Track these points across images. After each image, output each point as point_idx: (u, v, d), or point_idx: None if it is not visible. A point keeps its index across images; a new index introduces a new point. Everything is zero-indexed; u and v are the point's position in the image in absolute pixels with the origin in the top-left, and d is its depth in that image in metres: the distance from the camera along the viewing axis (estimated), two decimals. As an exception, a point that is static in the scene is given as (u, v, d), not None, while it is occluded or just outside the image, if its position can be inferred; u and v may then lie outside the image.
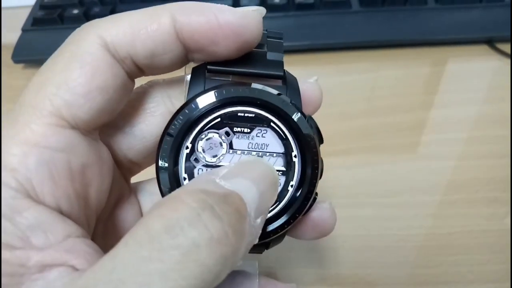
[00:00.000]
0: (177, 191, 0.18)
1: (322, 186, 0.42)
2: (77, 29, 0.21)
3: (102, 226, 0.25)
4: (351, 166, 0.46)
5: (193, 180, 0.20)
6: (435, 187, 0.43)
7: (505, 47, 0.59)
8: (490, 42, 0.60)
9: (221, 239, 0.16)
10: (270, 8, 0.61)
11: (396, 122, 0.51)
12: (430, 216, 0.40)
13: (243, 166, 0.20)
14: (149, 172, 0.29)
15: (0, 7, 0.70)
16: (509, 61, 0.58)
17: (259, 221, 0.18)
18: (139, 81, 0.25)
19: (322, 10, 0.61)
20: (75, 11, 0.62)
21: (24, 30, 0.62)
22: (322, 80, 0.57)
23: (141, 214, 0.28)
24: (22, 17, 0.64)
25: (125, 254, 0.16)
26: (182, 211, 0.16)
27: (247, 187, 0.18)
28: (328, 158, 0.46)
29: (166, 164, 0.22)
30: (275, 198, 0.21)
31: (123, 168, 0.27)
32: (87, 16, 0.62)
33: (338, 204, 0.42)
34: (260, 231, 0.19)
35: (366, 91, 0.56)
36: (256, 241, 0.19)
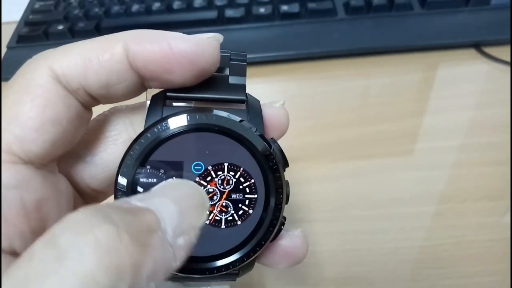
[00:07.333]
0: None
1: (308, 200, 0.42)
2: (28, 61, 0.21)
3: None
4: (338, 178, 0.45)
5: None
6: (422, 198, 0.42)
7: (493, 51, 0.58)
8: (477, 46, 0.59)
9: (112, 246, 0.14)
10: (255, 18, 0.61)
11: (386, 131, 0.50)
12: (417, 228, 0.40)
13: (166, 187, 0.19)
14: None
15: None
16: (497, 65, 0.57)
17: (182, 242, 0.17)
18: (102, 108, 0.24)
19: (308, 19, 0.61)
20: (60, 27, 0.62)
21: (9, 47, 0.62)
22: (309, 90, 0.57)
23: None
24: (7, 34, 0.64)
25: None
26: (69, 221, 0.14)
27: (164, 204, 0.17)
28: (315, 171, 0.46)
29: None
30: (202, 219, 0.18)
31: (87, 197, 0.26)
32: (72, 32, 0.61)
33: (324, 217, 0.41)
34: (184, 253, 0.17)
35: (354, 100, 0.55)
36: (178, 264, 0.16)
